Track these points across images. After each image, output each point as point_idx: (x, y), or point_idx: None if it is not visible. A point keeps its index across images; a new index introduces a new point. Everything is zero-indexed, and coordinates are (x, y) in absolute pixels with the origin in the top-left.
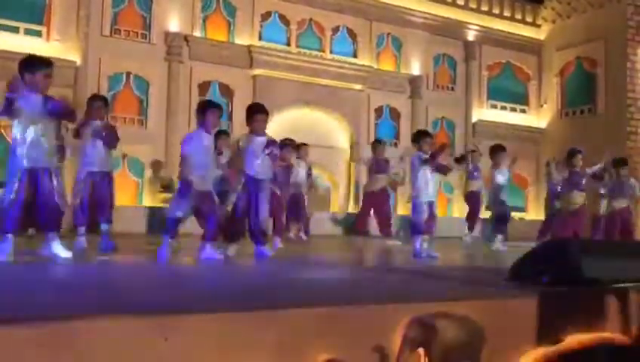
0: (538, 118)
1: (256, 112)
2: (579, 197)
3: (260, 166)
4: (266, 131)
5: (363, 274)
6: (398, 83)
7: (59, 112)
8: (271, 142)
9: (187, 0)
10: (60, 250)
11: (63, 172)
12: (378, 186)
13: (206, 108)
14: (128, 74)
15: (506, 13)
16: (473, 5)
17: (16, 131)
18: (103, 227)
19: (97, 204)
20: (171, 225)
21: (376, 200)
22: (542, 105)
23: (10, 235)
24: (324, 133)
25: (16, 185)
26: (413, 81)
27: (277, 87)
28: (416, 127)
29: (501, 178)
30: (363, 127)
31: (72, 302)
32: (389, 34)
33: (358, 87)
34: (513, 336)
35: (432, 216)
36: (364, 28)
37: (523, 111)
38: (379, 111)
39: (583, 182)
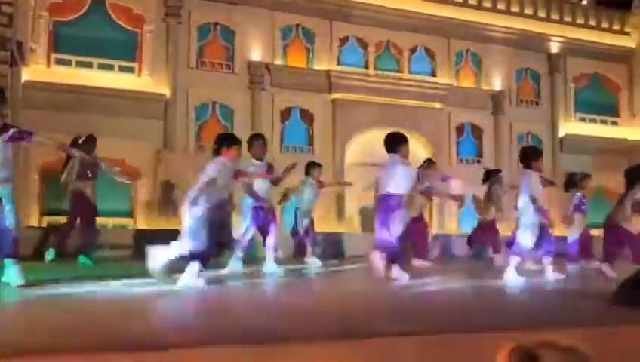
0: (631, 129)
1: None
2: None
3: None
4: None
5: (457, 299)
6: (479, 99)
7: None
8: None
9: (268, 30)
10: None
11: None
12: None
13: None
14: (214, 103)
15: (592, 23)
16: (555, 17)
17: None
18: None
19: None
20: None
21: (490, 228)
22: (635, 116)
23: None
24: None
25: None
26: (495, 96)
27: (356, 110)
28: (500, 144)
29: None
30: (444, 145)
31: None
32: (468, 50)
33: (437, 105)
34: None
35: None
36: (442, 46)
37: (614, 123)
38: (460, 129)
39: None
